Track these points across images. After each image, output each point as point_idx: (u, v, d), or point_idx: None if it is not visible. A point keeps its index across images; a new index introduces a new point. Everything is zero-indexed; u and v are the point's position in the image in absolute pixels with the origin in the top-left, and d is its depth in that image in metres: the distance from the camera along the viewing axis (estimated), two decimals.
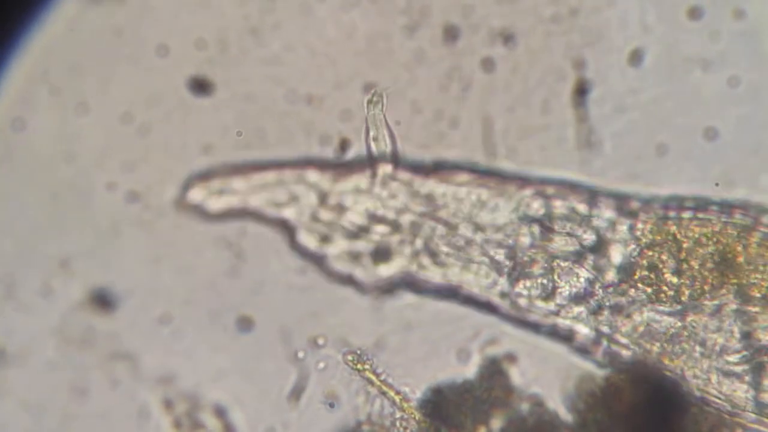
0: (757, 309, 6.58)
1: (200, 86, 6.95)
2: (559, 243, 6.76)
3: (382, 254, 6.84)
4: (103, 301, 6.94)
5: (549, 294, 6.76)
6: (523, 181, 6.84)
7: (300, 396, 6.88)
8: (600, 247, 6.74)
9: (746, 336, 6.59)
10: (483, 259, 6.80)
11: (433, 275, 6.85)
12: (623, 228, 6.74)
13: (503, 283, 6.79)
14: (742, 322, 6.59)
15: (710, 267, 6.63)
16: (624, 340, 6.70)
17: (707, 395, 6.64)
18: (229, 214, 6.95)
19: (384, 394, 6.80)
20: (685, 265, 6.65)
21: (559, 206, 6.79)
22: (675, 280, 6.65)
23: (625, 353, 6.71)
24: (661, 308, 6.66)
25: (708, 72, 6.82)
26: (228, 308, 6.93)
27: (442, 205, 6.85)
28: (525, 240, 6.78)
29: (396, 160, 6.88)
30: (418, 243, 6.83)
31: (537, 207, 6.80)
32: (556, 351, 6.80)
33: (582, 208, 6.78)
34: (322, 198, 6.89)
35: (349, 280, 6.86)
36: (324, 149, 6.92)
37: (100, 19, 6.98)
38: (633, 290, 6.69)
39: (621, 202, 6.78)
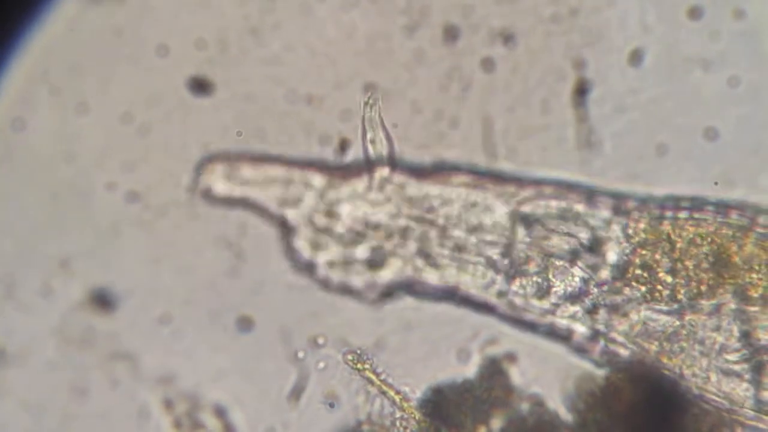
0: (756, 308, 6.59)
1: (200, 86, 6.95)
2: (555, 242, 6.76)
3: (377, 260, 6.84)
4: (103, 301, 6.94)
5: (544, 292, 6.76)
6: (521, 180, 6.85)
7: (300, 396, 6.88)
8: (595, 246, 6.74)
9: (745, 335, 6.59)
10: (479, 259, 6.80)
11: (430, 277, 6.85)
12: (617, 227, 6.74)
13: (500, 281, 6.79)
14: (742, 322, 6.59)
15: (705, 267, 6.63)
16: (621, 339, 6.70)
17: (706, 393, 6.64)
18: (231, 201, 6.94)
19: (384, 393, 6.80)
20: (679, 265, 6.65)
21: (554, 206, 6.79)
22: (670, 279, 6.66)
23: (623, 352, 6.72)
24: (658, 307, 6.66)
25: (708, 72, 6.82)
26: (228, 308, 6.93)
27: (437, 206, 6.84)
28: (521, 239, 6.78)
29: (393, 162, 6.87)
30: (413, 246, 6.83)
31: (534, 207, 6.80)
32: (555, 351, 6.80)
33: (580, 207, 6.79)
34: (324, 203, 6.88)
35: (345, 290, 6.86)
36: (324, 149, 6.92)
37: (100, 19, 6.97)
38: (627, 289, 6.70)
39: (619, 201, 6.79)
